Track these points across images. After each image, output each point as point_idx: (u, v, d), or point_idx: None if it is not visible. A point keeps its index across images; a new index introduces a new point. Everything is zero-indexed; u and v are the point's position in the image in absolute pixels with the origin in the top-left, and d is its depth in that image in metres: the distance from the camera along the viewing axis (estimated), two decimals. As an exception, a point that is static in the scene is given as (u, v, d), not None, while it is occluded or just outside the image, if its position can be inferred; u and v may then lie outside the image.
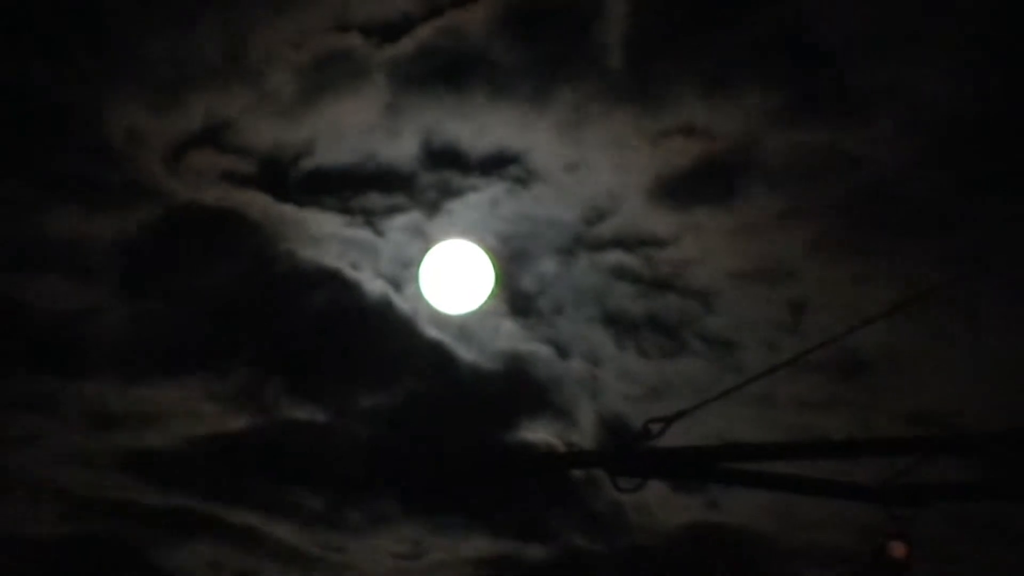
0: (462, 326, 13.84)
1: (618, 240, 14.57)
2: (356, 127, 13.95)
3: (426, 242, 13.56)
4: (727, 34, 14.20)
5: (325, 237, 14.21)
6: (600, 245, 14.66)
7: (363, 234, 14.13)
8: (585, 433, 14.30)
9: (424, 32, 13.51)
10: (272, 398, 14.50)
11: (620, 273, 14.54)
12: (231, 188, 13.81)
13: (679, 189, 13.99)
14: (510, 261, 13.55)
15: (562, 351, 14.46)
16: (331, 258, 14.09)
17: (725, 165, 14.38)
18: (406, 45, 13.49)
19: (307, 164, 14.01)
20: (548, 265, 14.20)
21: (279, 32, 13.90)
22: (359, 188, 14.21)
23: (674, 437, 9.93)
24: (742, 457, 10.10)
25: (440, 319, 13.71)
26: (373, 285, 13.92)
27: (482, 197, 13.94)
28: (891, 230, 13.80)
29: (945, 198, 13.81)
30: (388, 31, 14.06)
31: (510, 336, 14.10)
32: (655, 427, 9.74)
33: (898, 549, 9.22)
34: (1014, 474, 10.02)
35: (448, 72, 13.63)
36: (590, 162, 14.06)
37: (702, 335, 14.18)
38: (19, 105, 16.63)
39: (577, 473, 12.36)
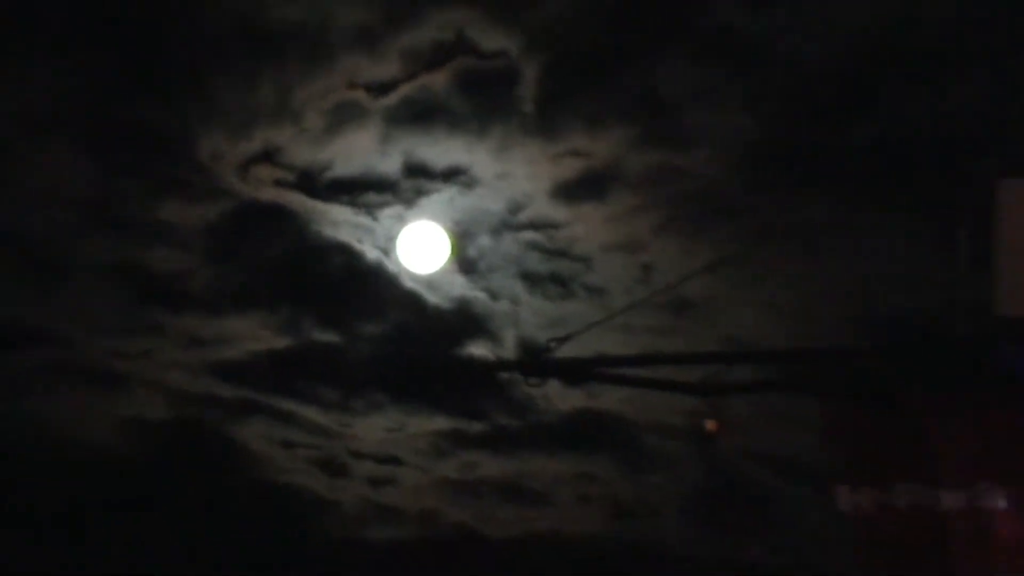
0: (429, 281, 14.93)
1: (531, 224, 15.59)
2: (361, 151, 14.90)
3: (406, 225, 14.50)
4: (602, 90, 15.89)
5: (341, 222, 15.41)
6: (519, 227, 15.68)
7: (365, 220, 15.23)
8: (508, 349, 15.48)
9: (406, 89, 14.72)
10: (306, 327, 15.62)
11: (532, 246, 15.63)
12: (280, 190, 15.16)
13: (570, 191, 15.23)
14: (461, 238, 14.52)
15: (494, 296, 15.59)
16: (344, 236, 15.33)
17: (600, 176, 15.78)
18: (393, 98, 14.70)
19: (330, 175, 15.10)
20: (485, 240, 15.27)
21: (312, 88, 15.32)
22: (363, 190, 15.19)
23: (566, 351, 11.40)
24: (610, 365, 11.13)
25: (414, 276, 14.84)
26: (371, 254, 15.20)
27: (443, 196, 14.96)
28: (707, 217, 15.21)
29: (742, 195, 15.23)
30: (382, 88, 15.38)
31: (460, 287, 15.25)
32: (553, 344, 9.27)
33: (711, 425, 10.79)
34: (789, 377, 11.71)
35: (421, 115, 14.86)
36: (513, 173, 15.05)
37: (585, 286, 15.18)
38: (140, 134, 17.66)
39: (503, 375, 14.19)
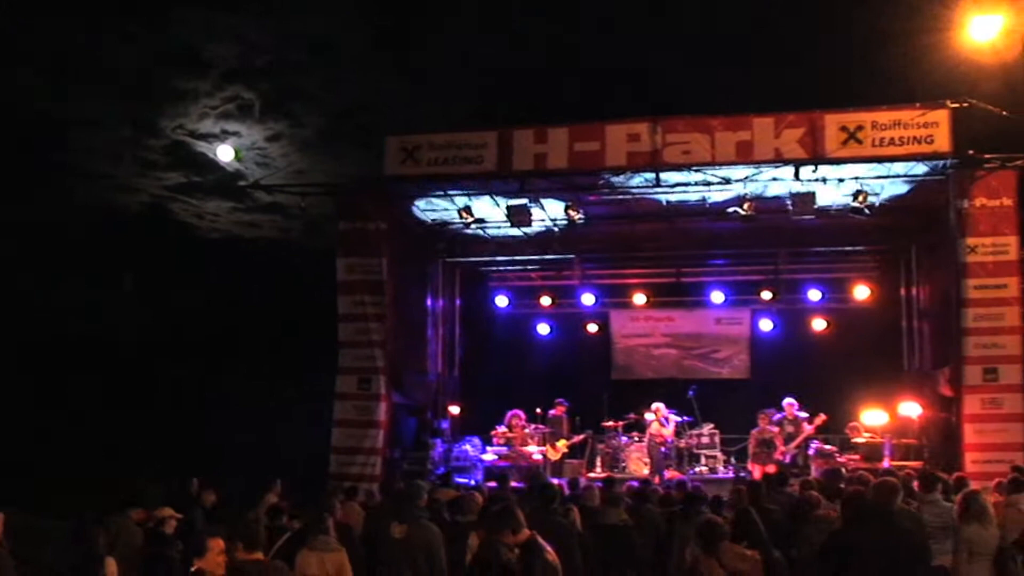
0: (227, 163, 21.25)
1: (258, 148, 23.20)
2: (209, 127, 22.38)
3: (221, 146, 20.89)
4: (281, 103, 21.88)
5: (203, 146, 22.82)
6: (256, 150, 23.15)
7: (210, 146, 22.55)
8: (250, 181, 22.13)
9: (220, 109, 21.88)
10: (190, 174, 23.69)
11: (259, 154, 23.46)
12: (184, 137, 22.21)
13: (271, 137, 22.90)
14: (239, 151, 20.34)
15: (246, 168, 22.51)
16: (203, 150, 22.81)
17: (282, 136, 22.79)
18: (218, 110, 21.94)
19: (198, 133, 22.68)
20: (245, 152, 21.74)
21: (195, 110, 21.73)
22: (211, 138, 22.73)
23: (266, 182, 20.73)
24: (278, 185, 20.34)
25: (226, 162, 20.88)
26: (210, 153, 22.41)
27: (234, 139, 22.30)
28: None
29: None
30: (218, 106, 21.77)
31: (237, 165, 21.58)
32: (262, 179, 20.45)
33: (304, 204, 23.48)
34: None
35: (226, 118, 22.26)
36: (251, 134, 22.66)
37: (275, 165, 23.00)
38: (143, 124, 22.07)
39: (248, 188, 22.08)
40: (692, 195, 19.57)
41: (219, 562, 7.91)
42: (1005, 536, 10.40)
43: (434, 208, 20.78)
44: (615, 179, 18.70)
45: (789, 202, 18.65)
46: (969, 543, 9.98)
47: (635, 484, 14.63)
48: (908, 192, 19.23)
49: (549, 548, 8.68)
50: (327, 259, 19.35)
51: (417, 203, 20.40)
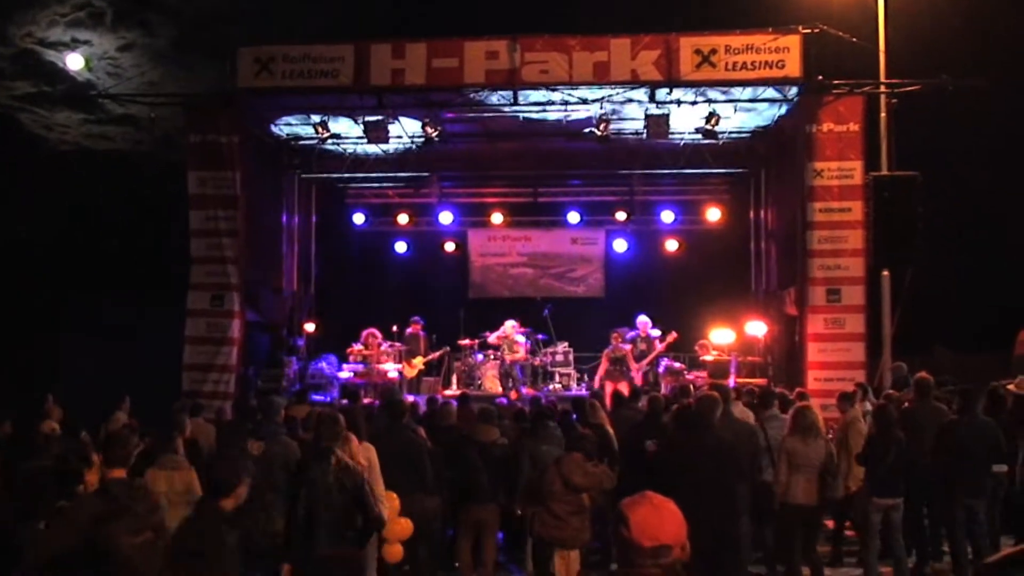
0: (78, 72, 20.25)
1: (110, 58, 21.73)
2: (59, 34, 20.90)
3: (72, 54, 20.05)
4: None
5: (53, 55, 21.31)
6: (107, 59, 21.65)
7: (59, 55, 20.93)
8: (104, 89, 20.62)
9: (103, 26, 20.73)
10: (44, 79, 21.80)
11: (111, 63, 21.84)
12: (38, 48, 20.93)
13: (127, 48, 21.50)
14: (88, 61, 19.89)
15: (97, 77, 21.22)
16: (53, 59, 21.26)
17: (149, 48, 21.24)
18: (95, 29, 20.94)
19: (53, 40, 21.14)
20: (95, 61, 20.78)
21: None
22: (63, 47, 21.13)
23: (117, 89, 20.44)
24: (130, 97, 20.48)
25: (77, 71, 20.19)
26: (60, 62, 20.70)
27: (84, 48, 20.84)
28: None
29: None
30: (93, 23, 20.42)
31: (86, 74, 20.72)
32: (110, 88, 19.49)
33: (154, 117, 25.20)
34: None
35: (80, 25, 20.83)
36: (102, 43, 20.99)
37: (130, 76, 21.20)
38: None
39: (101, 99, 20.70)
40: (550, 115, 19.36)
41: (95, 480, 7.88)
42: (832, 450, 10.88)
43: (289, 122, 20.19)
44: (473, 95, 18.40)
45: (644, 124, 18.53)
46: (789, 455, 10.41)
47: (503, 401, 14.60)
48: (759, 116, 19.45)
49: (344, 463, 8.27)
50: (181, 173, 18.59)
51: (271, 116, 19.75)
